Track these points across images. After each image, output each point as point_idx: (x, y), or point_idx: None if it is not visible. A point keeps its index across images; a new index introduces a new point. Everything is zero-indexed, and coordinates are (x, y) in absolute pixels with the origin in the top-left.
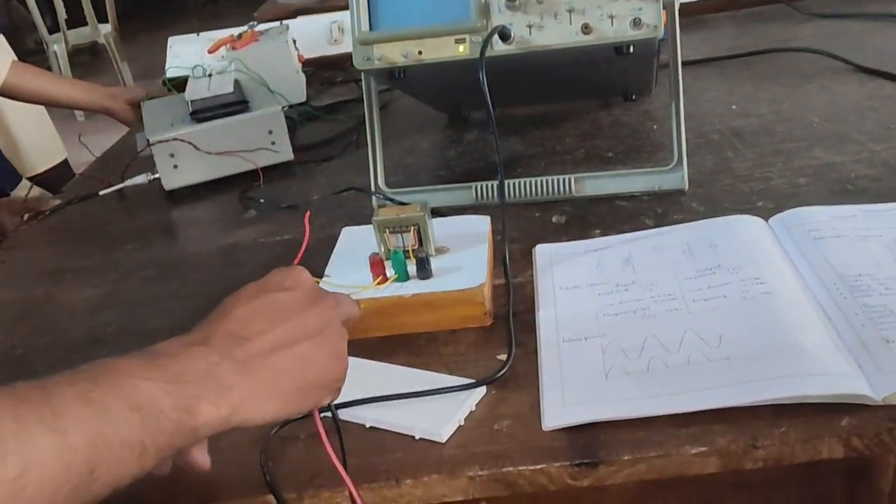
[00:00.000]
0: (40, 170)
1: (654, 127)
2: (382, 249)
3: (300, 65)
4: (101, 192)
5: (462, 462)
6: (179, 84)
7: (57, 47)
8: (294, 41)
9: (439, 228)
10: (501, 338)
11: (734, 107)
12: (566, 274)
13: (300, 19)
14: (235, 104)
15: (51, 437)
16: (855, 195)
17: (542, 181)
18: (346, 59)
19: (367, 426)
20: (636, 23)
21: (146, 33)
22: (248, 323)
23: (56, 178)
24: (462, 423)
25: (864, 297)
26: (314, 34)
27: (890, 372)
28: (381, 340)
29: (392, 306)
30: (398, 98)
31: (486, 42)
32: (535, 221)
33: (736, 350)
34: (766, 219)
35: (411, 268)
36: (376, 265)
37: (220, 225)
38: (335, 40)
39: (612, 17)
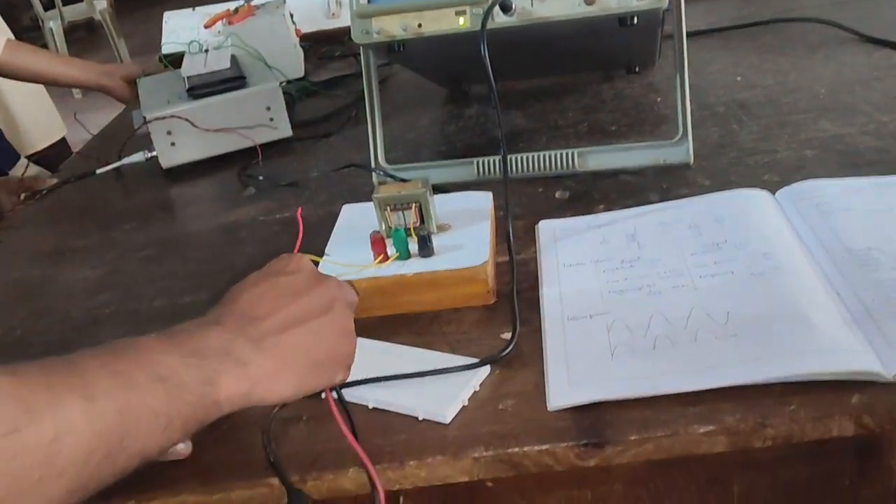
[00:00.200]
0: (39, 147)
1: (658, 99)
2: (383, 227)
3: (298, 39)
4: (99, 171)
5: (466, 443)
6: (176, 60)
7: (53, 24)
8: (291, 15)
9: (441, 205)
10: (505, 316)
11: (739, 78)
12: (570, 250)
13: None
14: (232, 80)
15: (82, 404)
16: (863, 167)
17: (544, 156)
18: (345, 32)
19: (370, 407)
20: None
21: (142, 9)
22: (258, 304)
23: (54, 156)
24: (466, 403)
25: (874, 271)
26: (311, 8)
27: None
28: (383, 320)
29: (394, 285)
30: (398, 72)
31: (487, 14)
32: (538, 197)
33: (744, 327)
34: (772, 192)
35: (413, 246)
36: (377, 243)
37: (219, 203)
38: (333, 14)
39: None
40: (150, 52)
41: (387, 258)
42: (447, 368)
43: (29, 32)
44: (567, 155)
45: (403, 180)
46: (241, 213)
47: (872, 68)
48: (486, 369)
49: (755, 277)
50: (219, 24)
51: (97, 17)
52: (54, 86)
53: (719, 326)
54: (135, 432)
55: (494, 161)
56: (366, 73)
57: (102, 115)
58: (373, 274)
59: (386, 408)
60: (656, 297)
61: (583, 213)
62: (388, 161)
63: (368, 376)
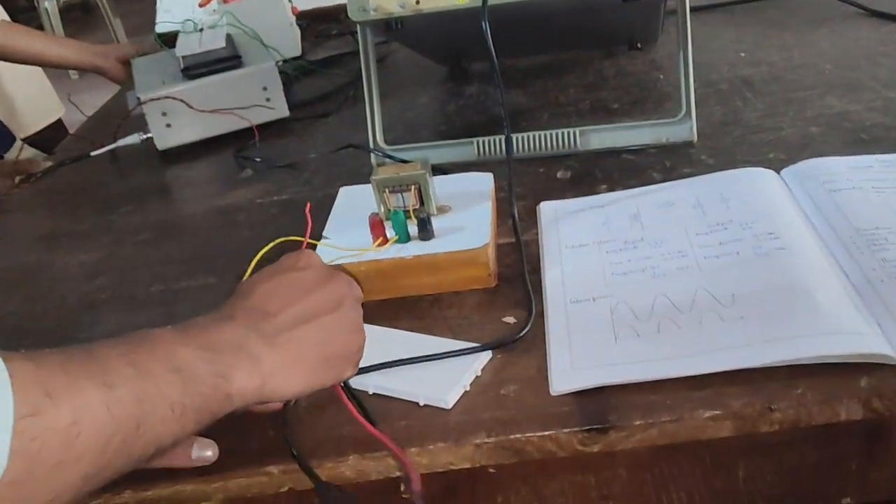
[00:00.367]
0: (37, 128)
1: (661, 77)
2: (382, 209)
3: (294, 17)
4: (93, 154)
5: (468, 429)
6: (171, 39)
7: (48, 4)
8: None
9: (441, 186)
10: (506, 299)
11: (743, 54)
12: (572, 231)
13: None
14: (228, 60)
15: (99, 390)
16: (870, 144)
17: (545, 135)
18: (341, 10)
19: (371, 392)
20: None
21: None
22: (270, 300)
23: (51, 137)
24: (468, 388)
25: (882, 251)
26: None
27: None
28: (383, 304)
29: (393, 268)
30: (396, 50)
31: None
32: (540, 177)
33: (750, 309)
34: (778, 171)
35: (412, 228)
36: (376, 226)
37: (216, 185)
38: None
39: None
40: (146, 33)
41: (386, 241)
42: (449, 353)
43: (25, 13)
44: (569, 134)
45: (403, 161)
46: (238, 196)
47: (879, 43)
48: (488, 354)
49: (761, 258)
50: (213, 2)
51: None
52: (49, 67)
53: (725, 308)
54: (151, 420)
55: (495, 141)
56: (363, 51)
57: (99, 96)
58: (372, 257)
59: (387, 393)
60: (660, 278)
61: (585, 194)
62: (387, 141)
63: (369, 362)
